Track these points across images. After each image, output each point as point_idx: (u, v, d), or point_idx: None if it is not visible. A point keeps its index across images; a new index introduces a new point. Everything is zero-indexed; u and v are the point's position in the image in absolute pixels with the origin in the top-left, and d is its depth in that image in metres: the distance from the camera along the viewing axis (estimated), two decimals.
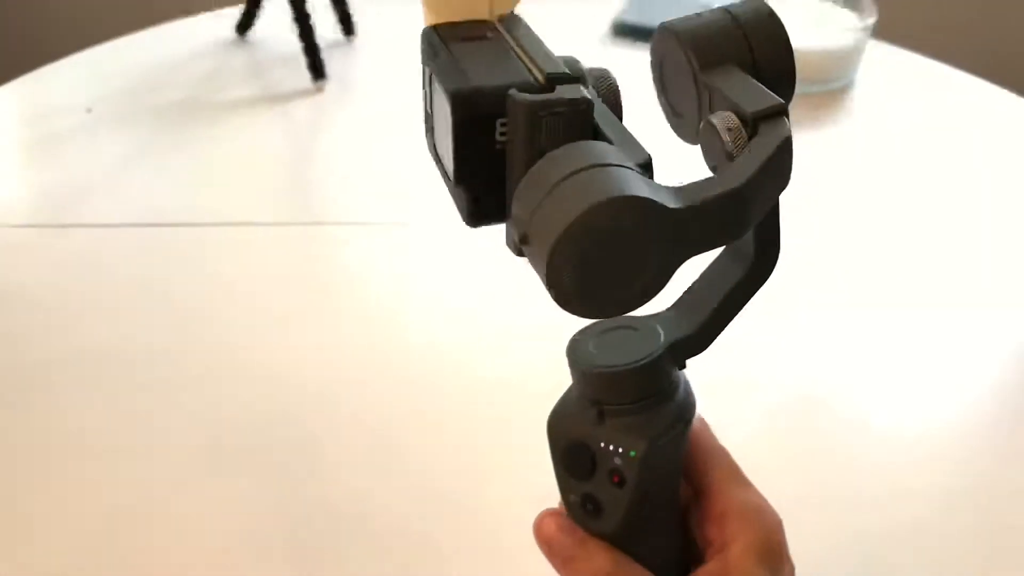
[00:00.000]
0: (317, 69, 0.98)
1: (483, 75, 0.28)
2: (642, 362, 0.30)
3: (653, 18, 1.08)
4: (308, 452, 0.58)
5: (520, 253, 0.28)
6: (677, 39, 0.30)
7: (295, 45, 0.97)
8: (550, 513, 0.34)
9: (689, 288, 0.34)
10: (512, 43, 0.31)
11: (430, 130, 0.31)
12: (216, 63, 1.04)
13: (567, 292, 0.26)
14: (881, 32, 1.00)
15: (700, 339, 0.32)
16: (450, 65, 0.29)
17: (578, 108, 0.27)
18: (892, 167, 0.88)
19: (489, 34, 0.31)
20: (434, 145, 0.31)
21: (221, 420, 0.60)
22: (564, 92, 0.27)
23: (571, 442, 0.31)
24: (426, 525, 0.54)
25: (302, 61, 0.98)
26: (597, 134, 0.28)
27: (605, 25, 1.08)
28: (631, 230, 0.25)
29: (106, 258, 0.75)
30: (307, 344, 0.67)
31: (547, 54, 0.30)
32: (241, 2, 1.07)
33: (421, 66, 0.31)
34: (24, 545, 0.52)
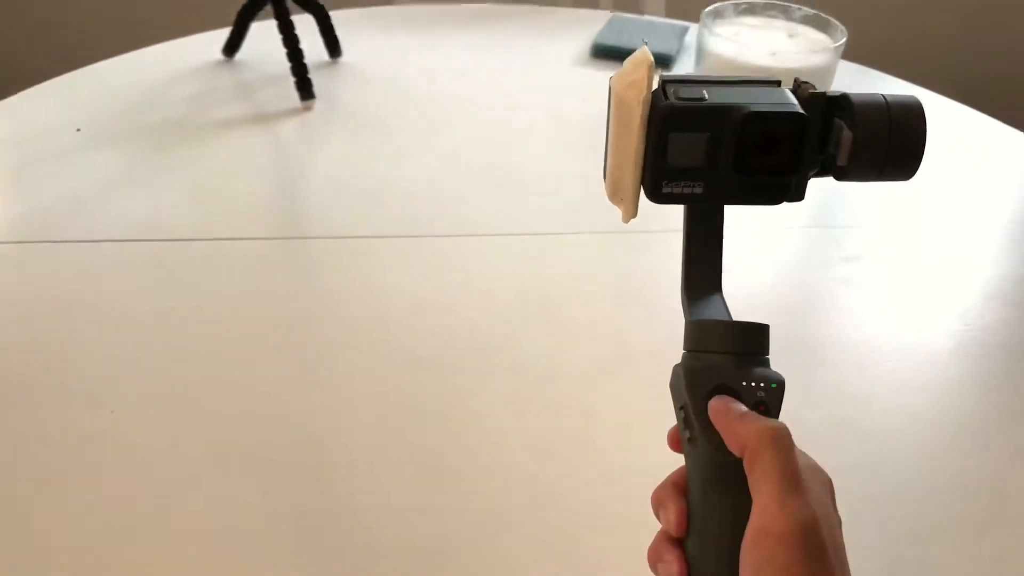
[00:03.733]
0: (305, 89, 1.00)
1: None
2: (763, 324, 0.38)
3: (629, 41, 1.12)
4: (314, 459, 0.60)
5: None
6: None
7: (283, 65, 1.00)
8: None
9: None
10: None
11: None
12: (205, 84, 1.06)
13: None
14: (850, 54, 1.04)
15: None
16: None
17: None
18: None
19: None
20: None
21: (216, 432, 0.62)
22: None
23: (716, 386, 0.37)
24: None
25: (290, 81, 1.00)
26: None
27: (585, 47, 1.12)
28: None
29: (97, 273, 0.76)
30: (303, 354, 0.69)
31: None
32: (229, 24, 1.09)
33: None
34: (27, 550, 0.53)
